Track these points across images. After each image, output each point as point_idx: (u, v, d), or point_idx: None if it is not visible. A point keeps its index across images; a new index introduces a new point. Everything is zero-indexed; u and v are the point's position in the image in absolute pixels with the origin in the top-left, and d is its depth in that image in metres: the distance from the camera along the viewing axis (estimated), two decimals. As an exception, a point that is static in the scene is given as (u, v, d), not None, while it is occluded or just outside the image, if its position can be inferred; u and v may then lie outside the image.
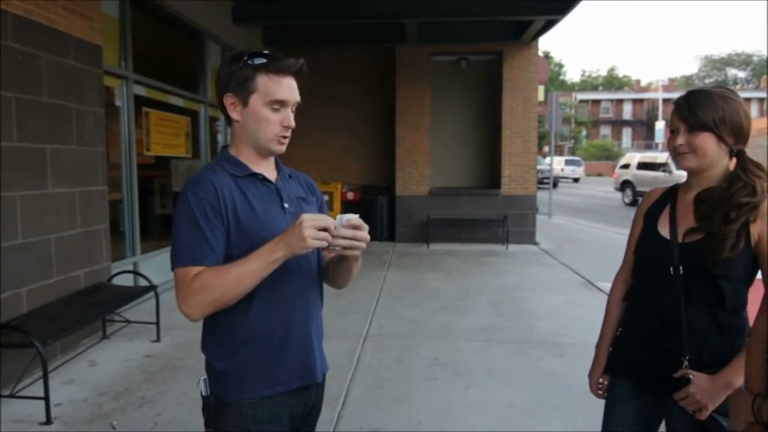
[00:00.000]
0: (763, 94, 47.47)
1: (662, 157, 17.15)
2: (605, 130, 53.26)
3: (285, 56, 1.38)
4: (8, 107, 3.56)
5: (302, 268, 1.43)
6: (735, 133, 1.52)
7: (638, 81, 61.99)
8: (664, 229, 1.62)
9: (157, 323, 4.52)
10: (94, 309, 3.99)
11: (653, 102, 49.41)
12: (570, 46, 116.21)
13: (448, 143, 9.92)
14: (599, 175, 38.47)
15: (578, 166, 31.77)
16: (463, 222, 9.56)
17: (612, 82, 66.77)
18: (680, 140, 1.55)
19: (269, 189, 1.44)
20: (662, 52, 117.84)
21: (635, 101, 54.02)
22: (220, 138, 7.67)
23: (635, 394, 1.67)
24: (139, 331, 4.64)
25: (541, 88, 17.47)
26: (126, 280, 5.02)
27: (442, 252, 8.86)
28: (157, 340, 4.47)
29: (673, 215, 1.62)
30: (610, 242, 9.74)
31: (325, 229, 1.25)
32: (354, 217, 1.30)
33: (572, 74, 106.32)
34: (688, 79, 61.43)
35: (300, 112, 1.47)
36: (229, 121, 1.44)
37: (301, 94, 1.43)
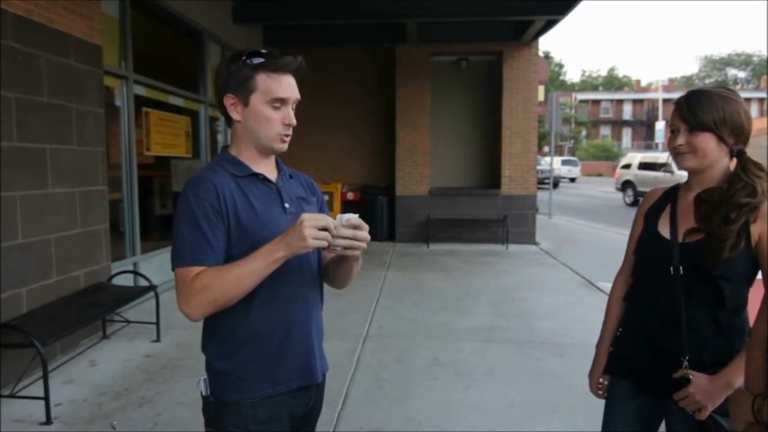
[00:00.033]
0: (763, 95, 47.49)
1: (664, 157, 17.11)
2: (605, 131, 53.27)
3: (283, 54, 1.38)
4: (8, 107, 3.56)
5: (303, 268, 1.43)
6: (735, 134, 1.52)
7: (638, 81, 62.06)
8: (664, 230, 1.62)
9: (157, 323, 4.52)
10: (94, 309, 3.99)
11: (653, 102, 49.43)
12: (570, 46, 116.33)
13: (448, 143, 9.92)
14: (599, 175, 38.51)
15: (575, 166, 32.45)
16: (463, 222, 9.56)
17: (612, 82, 66.78)
18: (680, 140, 1.55)
19: (270, 189, 1.44)
20: (662, 52, 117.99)
21: (635, 101, 54.04)
22: (220, 138, 7.68)
23: (635, 394, 1.67)
24: (139, 331, 4.64)
25: (541, 88, 17.47)
26: (126, 280, 5.02)
27: (442, 252, 8.86)
28: (157, 340, 4.47)
29: (673, 215, 1.62)
30: (610, 242, 9.74)
31: (325, 229, 1.25)
32: (354, 217, 1.30)
33: (572, 74, 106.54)
34: (688, 80, 61.45)
35: (300, 112, 1.47)
36: (229, 121, 1.44)
37: (301, 94, 1.44)
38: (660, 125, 40.79)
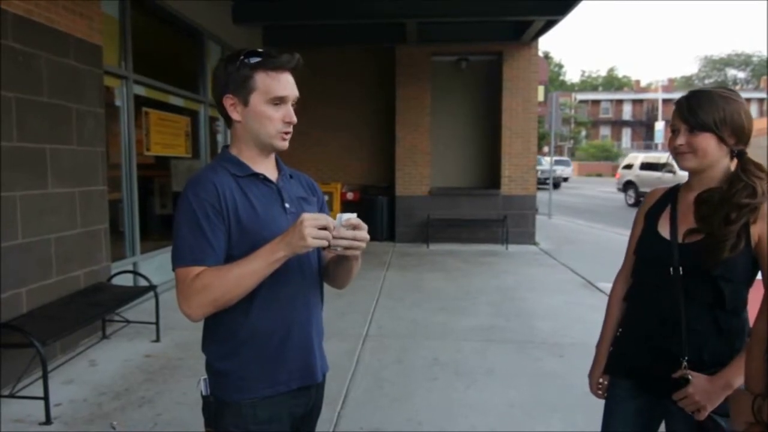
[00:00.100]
0: (763, 95, 47.49)
1: (665, 157, 17.03)
2: (605, 131, 53.28)
3: (280, 53, 1.39)
4: (8, 107, 3.56)
5: (303, 268, 1.43)
6: (736, 134, 1.51)
7: (638, 81, 62.07)
8: (664, 230, 1.62)
9: (157, 323, 4.52)
10: (94, 309, 3.99)
11: (653, 102, 49.46)
12: (570, 46, 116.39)
13: (448, 143, 9.92)
14: (599, 175, 38.53)
15: (567, 166, 33.22)
16: (463, 222, 9.56)
17: (612, 82, 66.79)
18: (681, 140, 1.55)
19: (270, 189, 1.44)
20: (662, 53, 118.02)
21: (635, 102, 54.05)
22: (220, 138, 7.68)
23: (635, 394, 1.68)
24: (138, 331, 4.64)
25: (541, 89, 17.49)
26: (126, 280, 5.02)
27: (442, 252, 8.86)
28: (157, 340, 4.47)
29: (673, 216, 1.62)
30: (610, 243, 9.74)
31: (325, 228, 1.25)
32: (353, 217, 1.31)
33: (572, 74, 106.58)
34: (687, 80, 61.46)
35: (300, 112, 1.47)
36: (228, 122, 1.44)
37: (301, 94, 1.44)
38: (659, 125, 40.83)
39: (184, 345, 4.33)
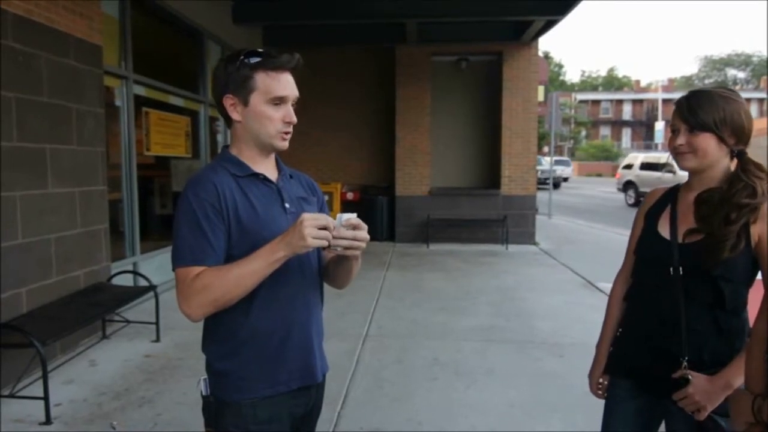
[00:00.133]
0: (763, 95, 47.49)
1: (665, 157, 17.00)
2: (605, 131, 53.29)
3: (280, 53, 1.39)
4: (8, 107, 3.56)
5: (303, 268, 1.43)
6: (736, 134, 1.51)
7: (638, 81, 62.07)
8: (664, 230, 1.62)
9: (157, 323, 4.52)
10: (93, 309, 3.99)
11: (653, 102, 49.46)
12: (570, 46, 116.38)
13: (448, 143, 9.92)
14: (599, 175, 38.53)
15: (567, 166, 33.25)
16: (463, 222, 9.56)
17: (612, 82, 66.79)
18: (681, 140, 1.55)
19: (270, 189, 1.44)
20: (662, 53, 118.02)
21: (635, 102, 54.06)
22: (220, 138, 7.68)
23: (635, 394, 1.68)
24: (138, 331, 4.64)
25: (541, 89, 17.48)
26: (126, 280, 5.02)
27: (442, 252, 8.86)
28: (157, 340, 4.47)
29: (673, 216, 1.62)
30: (609, 243, 9.74)
31: (325, 228, 1.25)
32: (353, 217, 1.31)
33: (572, 74, 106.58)
34: (687, 80, 61.45)
35: (300, 112, 1.47)
36: (228, 122, 1.44)
37: (301, 94, 1.44)
38: (659, 125, 40.82)
39: (184, 345, 4.33)
